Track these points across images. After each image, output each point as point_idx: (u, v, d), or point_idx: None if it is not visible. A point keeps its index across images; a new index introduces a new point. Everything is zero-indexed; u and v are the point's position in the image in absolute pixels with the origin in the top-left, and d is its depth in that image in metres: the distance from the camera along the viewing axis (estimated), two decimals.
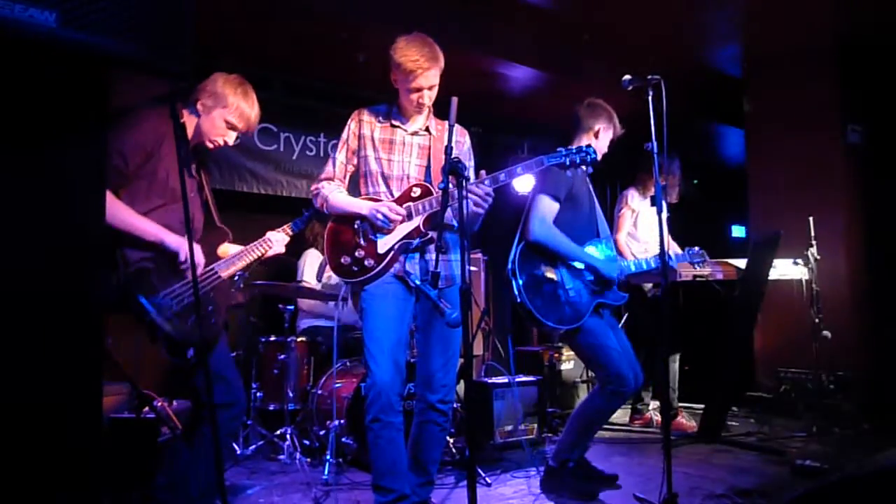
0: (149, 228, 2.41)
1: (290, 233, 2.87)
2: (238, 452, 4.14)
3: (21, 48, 1.18)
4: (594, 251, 3.37)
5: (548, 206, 3.28)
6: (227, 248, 2.76)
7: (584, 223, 3.41)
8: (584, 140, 3.45)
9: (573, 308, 3.26)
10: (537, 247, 3.27)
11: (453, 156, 2.36)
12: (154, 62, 1.31)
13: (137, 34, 1.26)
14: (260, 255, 2.76)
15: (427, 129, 2.93)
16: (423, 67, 2.72)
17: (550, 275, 3.29)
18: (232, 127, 2.63)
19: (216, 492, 2.50)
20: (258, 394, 4.41)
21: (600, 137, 3.47)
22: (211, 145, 2.66)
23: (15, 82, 1.25)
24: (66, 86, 1.31)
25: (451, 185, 2.38)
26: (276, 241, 2.82)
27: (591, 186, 3.54)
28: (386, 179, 2.85)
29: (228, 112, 2.60)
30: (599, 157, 3.20)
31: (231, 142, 2.67)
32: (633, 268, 3.45)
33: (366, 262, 2.75)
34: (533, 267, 3.27)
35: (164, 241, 2.42)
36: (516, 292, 3.20)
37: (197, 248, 2.48)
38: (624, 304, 3.46)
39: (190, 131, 2.63)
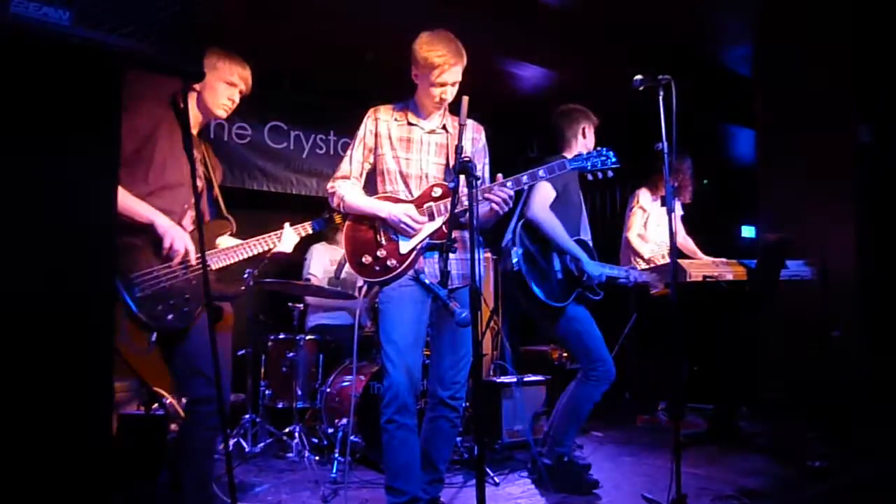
0: (141, 210, 2.38)
1: (308, 231, 2.84)
2: (247, 450, 4.15)
3: (35, 47, 1.18)
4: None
5: (547, 193, 3.39)
6: (227, 241, 2.70)
7: (571, 220, 3.50)
8: (574, 145, 3.60)
9: (560, 289, 3.41)
10: (534, 226, 3.37)
11: (465, 155, 2.37)
12: (166, 61, 1.32)
13: (150, 33, 1.26)
14: (262, 251, 2.70)
15: (444, 128, 2.92)
16: (449, 63, 2.72)
17: (544, 253, 3.42)
18: (232, 85, 2.62)
19: (208, 488, 2.51)
20: (267, 391, 4.42)
21: (587, 136, 3.62)
22: (223, 114, 2.65)
23: (28, 81, 1.25)
24: (78, 85, 1.31)
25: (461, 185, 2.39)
26: (285, 237, 2.76)
27: (579, 188, 3.63)
28: (404, 178, 2.83)
29: (223, 74, 2.59)
30: (590, 148, 3.42)
31: (237, 100, 2.66)
32: (615, 273, 3.51)
33: (388, 263, 2.75)
34: (530, 242, 3.40)
35: (155, 223, 2.39)
36: (514, 261, 3.32)
37: (188, 235, 2.46)
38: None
39: (195, 114, 2.62)
